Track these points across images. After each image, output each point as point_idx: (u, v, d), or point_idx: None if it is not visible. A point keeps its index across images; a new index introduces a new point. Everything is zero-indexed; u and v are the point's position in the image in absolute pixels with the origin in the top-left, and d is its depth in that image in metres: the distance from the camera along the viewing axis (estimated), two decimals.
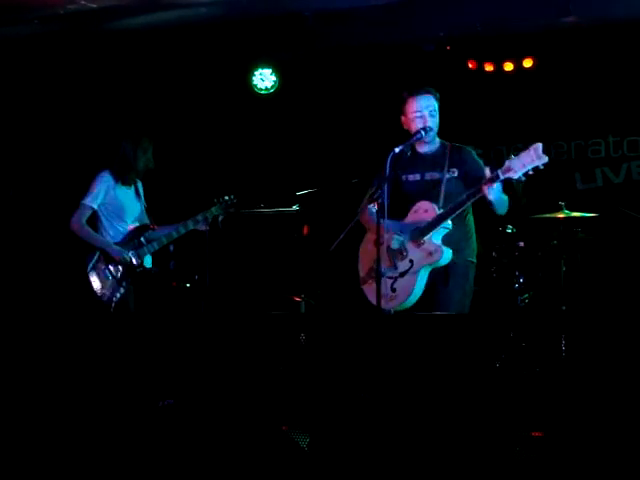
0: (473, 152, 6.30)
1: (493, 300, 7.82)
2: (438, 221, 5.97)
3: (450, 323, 5.41)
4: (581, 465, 4.47)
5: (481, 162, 6.18)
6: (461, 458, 4.60)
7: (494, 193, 5.80)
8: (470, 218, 6.33)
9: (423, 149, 6.28)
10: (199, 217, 7.33)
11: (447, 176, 6.14)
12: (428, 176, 6.20)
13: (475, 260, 6.30)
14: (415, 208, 6.13)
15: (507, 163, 5.68)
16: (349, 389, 5.18)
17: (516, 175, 5.65)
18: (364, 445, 4.75)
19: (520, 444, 4.57)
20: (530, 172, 5.63)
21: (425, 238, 5.99)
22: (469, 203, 5.94)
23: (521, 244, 8.10)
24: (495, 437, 4.66)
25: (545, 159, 5.59)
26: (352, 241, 5.94)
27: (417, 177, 6.26)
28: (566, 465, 4.50)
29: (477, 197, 5.87)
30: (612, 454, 4.43)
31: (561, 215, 7.92)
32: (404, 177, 6.30)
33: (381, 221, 5.52)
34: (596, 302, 8.20)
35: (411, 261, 6.03)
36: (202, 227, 7.37)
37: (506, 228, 8.15)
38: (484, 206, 6.04)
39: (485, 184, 5.77)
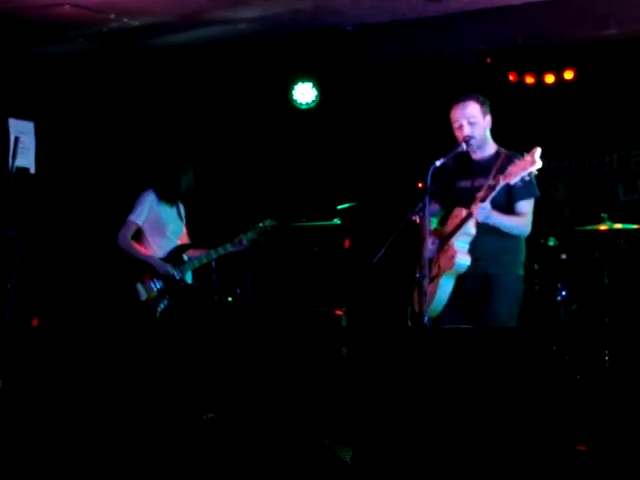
0: None
1: (535, 313, 7.78)
2: (458, 226, 5.93)
3: (492, 336, 5.38)
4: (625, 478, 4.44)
5: (531, 177, 5.83)
6: (506, 471, 4.59)
7: (483, 214, 5.76)
8: None
9: (476, 156, 6.16)
10: (235, 240, 7.50)
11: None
12: (477, 183, 6.03)
13: (521, 273, 6.19)
14: (452, 215, 6.09)
15: (509, 168, 5.65)
16: (391, 402, 5.17)
17: (513, 180, 5.61)
18: (408, 458, 4.74)
19: (565, 457, 4.55)
20: (526, 177, 5.59)
21: (449, 243, 5.97)
22: (471, 221, 5.85)
23: (563, 256, 8.06)
24: (539, 450, 4.64)
25: (539, 164, 5.52)
26: (393, 254, 5.94)
27: (468, 184, 6.13)
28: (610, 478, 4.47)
29: (471, 218, 5.82)
30: None
31: (604, 227, 7.88)
32: (457, 184, 6.23)
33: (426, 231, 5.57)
34: None
35: (439, 266, 6.02)
36: (236, 249, 7.52)
37: (548, 240, 8.12)
38: None
39: (478, 198, 5.76)
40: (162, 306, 7.38)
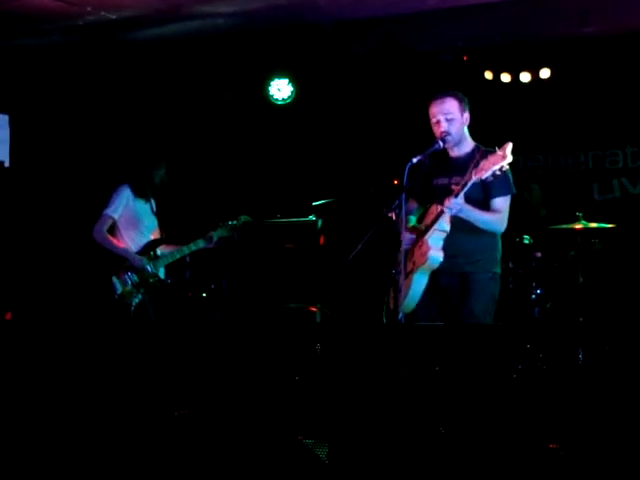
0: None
1: (510, 311, 7.79)
2: (433, 222, 5.92)
3: (465, 334, 5.39)
4: (598, 478, 4.45)
5: (507, 174, 5.91)
6: (478, 469, 4.59)
7: (456, 208, 5.76)
8: None
9: (454, 153, 6.15)
10: (207, 236, 7.58)
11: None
12: (454, 180, 6.00)
13: (498, 271, 6.20)
14: (429, 212, 6.08)
15: (481, 163, 5.64)
16: (366, 399, 5.17)
17: (484, 175, 5.61)
18: (382, 455, 4.74)
19: (536, 456, 4.56)
20: (498, 172, 5.58)
21: (424, 239, 5.96)
22: (444, 217, 5.87)
23: (538, 255, 8.08)
24: (512, 449, 4.65)
25: (509, 159, 5.53)
26: (369, 251, 5.93)
27: (445, 181, 6.10)
28: (582, 478, 4.48)
29: (444, 212, 5.82)
30: (630, 467, 4.41)
31: (578, 226, 7.90)
32: (435, 181, 6.21)
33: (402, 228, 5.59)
34: (614, 313, 8.17)
35: (413, 262, 6.01)
36: (208, 246, 7.60)
37: (523, 239, 8.13)
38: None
39: (451, 196, 5.76)
40: (137, 300, 7.42)
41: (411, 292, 5.95)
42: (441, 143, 6.01)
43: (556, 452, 4.58)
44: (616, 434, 4.59)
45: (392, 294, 5.95)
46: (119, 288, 7.43)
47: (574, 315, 7.81)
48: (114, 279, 7.45)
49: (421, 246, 5.97)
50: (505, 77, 9.37)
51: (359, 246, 5.80)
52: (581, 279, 7.86)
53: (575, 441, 4.64)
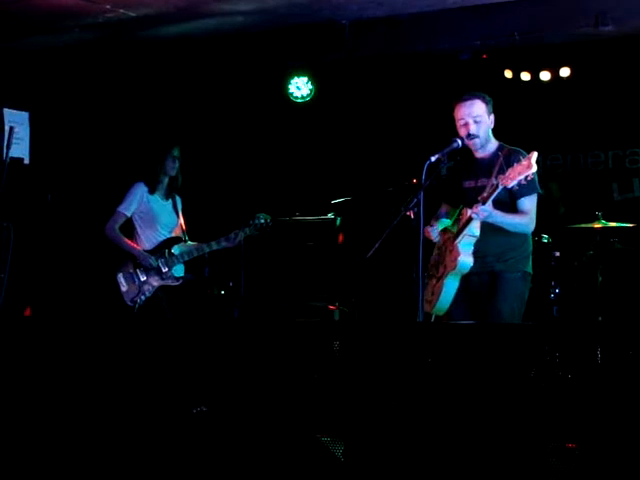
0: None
1: (528, 310, 7.78)
2: (462, 228, 5.94)
3: (484, 333, 5.38)
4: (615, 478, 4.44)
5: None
6: (496, 468, 4.58)
7: (484, 215, 5.78)
8: None
9: (479, 155, 6.17)
10: (231, 235, 7.49)
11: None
12: (480, 183, 6.06)
13: (529, 270, 6.21)
14: (460, 215, 6.10)
15: (507, 172, 5.65)
16: (383, 398, 5.17)
17: (510, 184, 5.62)
18: (398, 453, 4.74)
19: (554, 456, 4.55)
20: (523, 182, 5.60)
21: (454, 243, 5.98)
22: (474, 222, 5.87)
23: (557, 254, 8.06)
24: (529, 448, 4.64)
25: (534, 169, 5.55)
26: (387, 249, 5.93)
27: (472, 184, 6.15)
28: (600, 478, 4.47)
29: (475, 218, 5.84)
30: None
31: (598, 225, 7.88)
32: (463, 184, 6.25)
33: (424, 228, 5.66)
34: (633, 313, 8.13)
35: (445, 266, 6.04)
36: (231, 245, 7.53)
37: (542, 238, 8.11)
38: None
39: (480, 200, 5.77)
40: (143, 298, 7.40)
41: (442, 296, 6.00)
42: (459, 142, 6.03)
43: (573, 452, 4.57)
44: (634, 434, 4.57)
45: (427, 297, 6.01)
46: (125, 285, 7.44)
47: (593, 314, 7.77)
48: (120, 276, 7.46)
49: (452, 251, 6.01)
50: (525, 76, 9.33)
51: (377, 244, 5.81)
52: (600, 278, 7.83)
53: (593, 441, 4.63)
